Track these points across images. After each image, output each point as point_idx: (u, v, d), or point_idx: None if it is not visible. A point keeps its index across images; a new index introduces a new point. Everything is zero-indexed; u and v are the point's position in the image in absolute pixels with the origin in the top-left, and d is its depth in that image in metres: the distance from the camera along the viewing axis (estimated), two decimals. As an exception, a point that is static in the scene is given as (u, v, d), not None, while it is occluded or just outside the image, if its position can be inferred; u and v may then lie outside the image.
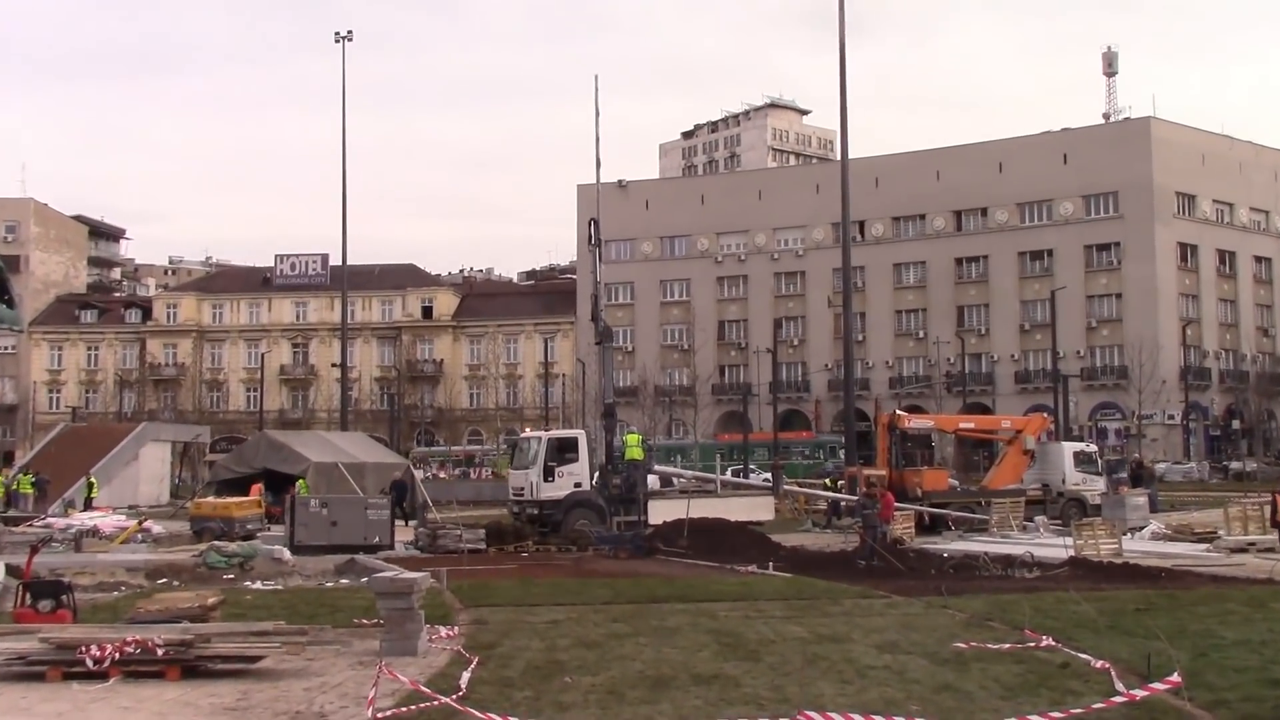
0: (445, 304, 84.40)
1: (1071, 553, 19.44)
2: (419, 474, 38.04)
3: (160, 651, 9.72)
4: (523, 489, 25.23)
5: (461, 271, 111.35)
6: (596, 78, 47.84)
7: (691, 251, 78.87)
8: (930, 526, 26.47)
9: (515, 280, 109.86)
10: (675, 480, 30.16)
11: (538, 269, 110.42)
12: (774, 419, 57.93)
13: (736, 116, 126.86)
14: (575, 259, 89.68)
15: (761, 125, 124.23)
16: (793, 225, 75.87)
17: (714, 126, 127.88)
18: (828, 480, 34.46)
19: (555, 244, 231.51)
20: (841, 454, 57.26)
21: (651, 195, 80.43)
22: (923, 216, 73.06)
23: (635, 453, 25.68)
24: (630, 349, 78.44)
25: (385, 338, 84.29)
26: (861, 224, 73.15)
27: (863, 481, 25.76)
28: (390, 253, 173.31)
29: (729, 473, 51.95)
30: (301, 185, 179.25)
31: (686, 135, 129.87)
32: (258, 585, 17.56)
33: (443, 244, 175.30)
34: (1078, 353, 66.26)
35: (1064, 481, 28.63)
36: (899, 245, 73.20)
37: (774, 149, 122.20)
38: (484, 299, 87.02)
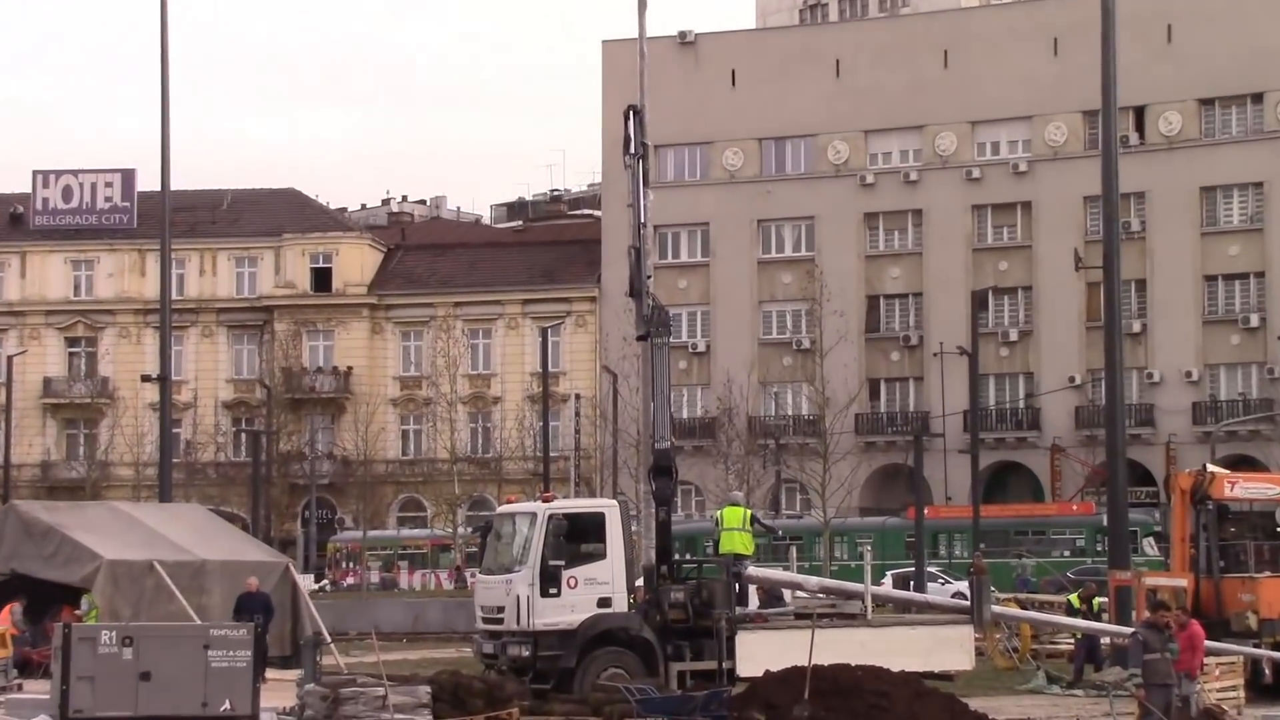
0: (356, 263, 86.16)
1: None
2: (306, 582, 38.69)
3: None
4: (502, 610, 26.22)
5: (387, 204, 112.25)
6: None
7: (817, 165, 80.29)
8: (1276, 684, 27.84)
9: (487, 220, 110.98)
10: (788, 595, 30.99)
11: (529, 200, 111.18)
12: (972, 478, 58.69)
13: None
14: (598, 182, 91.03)
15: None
16: (1008, 116, 77.39)
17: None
18: (1073, 598, 35.19)
19: (561, 157, 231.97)
20: (1099, 547, 58.49)
21: (742, 61, 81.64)
22: (1258, 97, 73.91)
23: (737, 543, 27.09)
24: (702, 348, 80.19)
25: (244, 327, 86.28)
26: (1139, 112, 73.89)
27: (1142, 600, 26.61)
28: (255, 170, 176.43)
29: (889, 580, 51.87)
30: (86, 46, 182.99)
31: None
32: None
33: (354, 154, 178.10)
34: None
35: None
36: (1214, 153, 74.13)
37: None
38: (429, 254, 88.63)
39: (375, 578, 74.59)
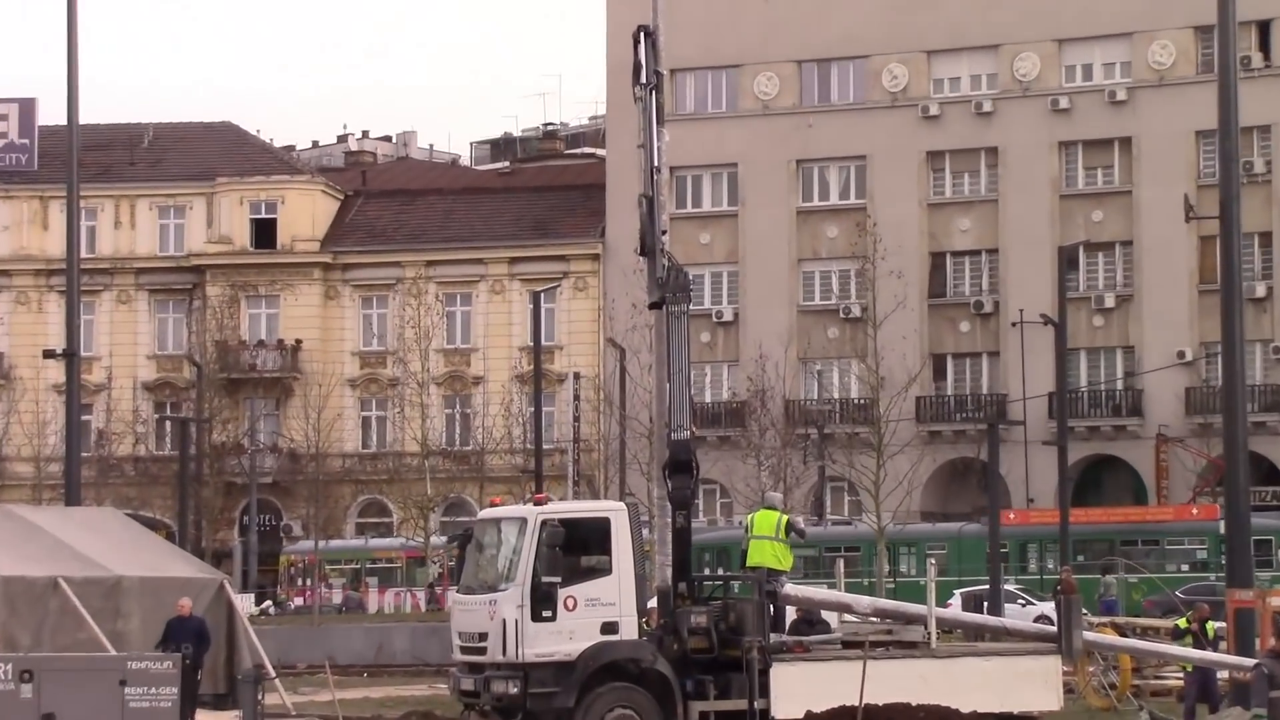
0: (307, 213, 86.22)
1: None
2: (245, 603, 37.90)
3: None
4: (484, 638, 26.55)
5: (344, 141, 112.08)
6: None
7: (869, 93, 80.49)
8: None
9: (466, 161, 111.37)
10: (834, 619, 31.28)
11: (517, 136, 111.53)
12: (1060, 476, 58.37)
13: None
14: (600, 114, 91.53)
15: None
16: (1103, 33, 77.33)
17: None
18: (1181, 622, 34.74)
19: (555, 84, 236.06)
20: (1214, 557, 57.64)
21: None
22: None
23: (768, 555, 27.30)
24: (729, 316, 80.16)
25: (169, 291, 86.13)
26: (1264, 29, 73.92)
27: (1268, 625, 27.12)
28: (184, 103, 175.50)
29: (958, 600, 53.49)
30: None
31: None
32: None
33: (303, 82, 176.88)
34: None
35: None
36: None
37: None
38: (396, 203, 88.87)
39: (337, 597, 75.00)
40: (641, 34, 28.61)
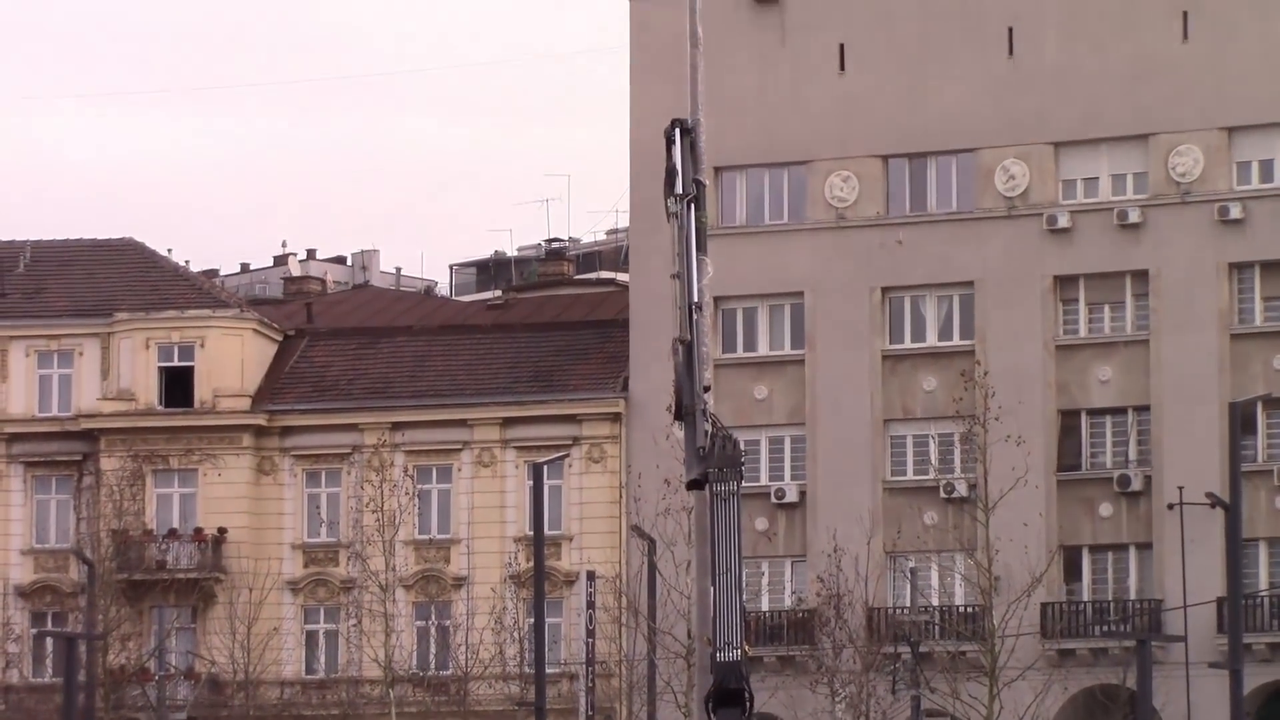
0: (234, 359, 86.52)
1: None
2: None
3: None
4: None
5: (283, 263, 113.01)
6: None
7: (977, 197, 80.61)
8: None
9: (445, 289, 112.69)
10: None
11: (511, 256, 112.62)
12: (1233, 709, 57.32)
13: None
14: (622, 226, 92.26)
15: None
16: None
17: None
18: None
19: (562, 187, 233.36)
20: None
21: (856, 28, 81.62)
22: None
23: None
24: (794, 496, 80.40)
25: (51, 464, 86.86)
26: None
27: None
28: (73, 209, 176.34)
29: None
30: None
31: None
32: None
33: (231, 180, 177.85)
34: None
35: None
36: None
37: None
38: (352, 345, 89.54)
39: None
40: (677, 132, 28.16)
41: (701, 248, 27.66)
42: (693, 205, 27.63)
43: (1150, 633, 64.11)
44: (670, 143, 28.15)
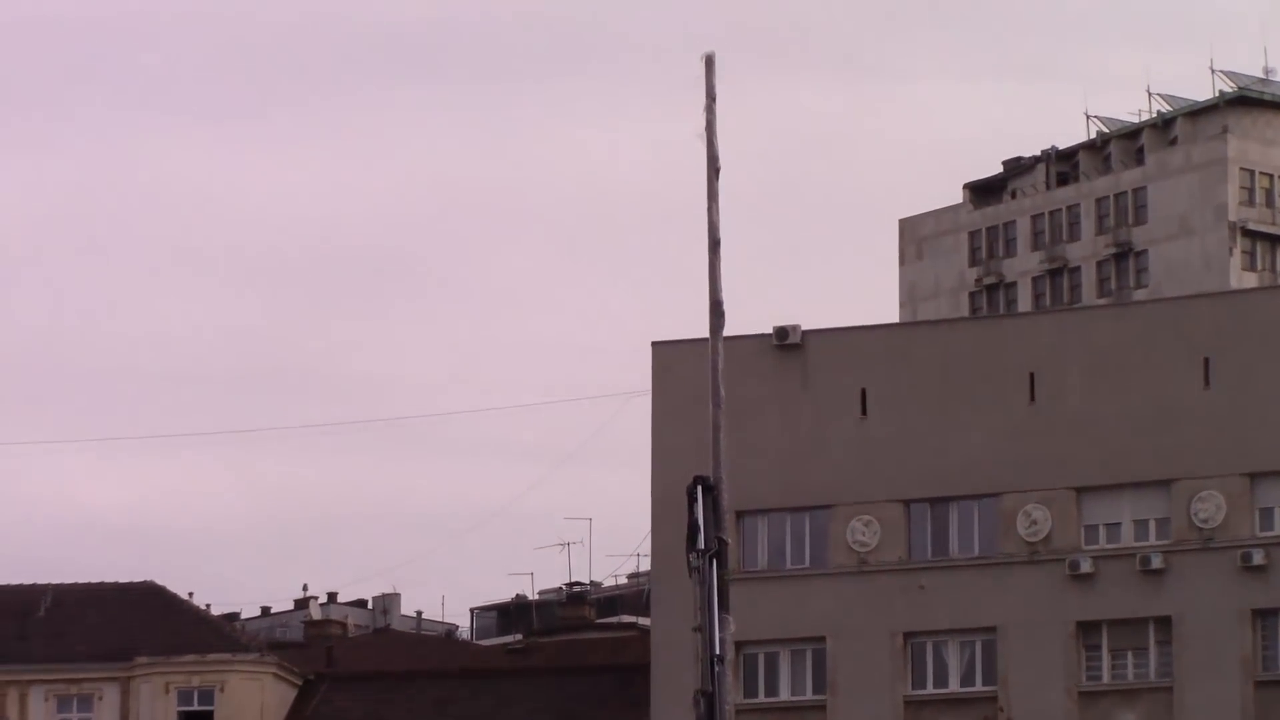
0: (254, 703, 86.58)
1: None
2: None
3: None
4: None
5: (303, 607, 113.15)
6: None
7: (999, 543, 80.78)
8: None
9: (466, 632, 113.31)
10: None
11: (532, 600, 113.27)
12: None
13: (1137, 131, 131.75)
14: (644, 571, 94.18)
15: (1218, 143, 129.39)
16: None
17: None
18: None
19: (584, 530, 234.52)
20: None
21: (877, 373, 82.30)
22: None
23: None
24: None
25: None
26: None
27: None
28: (90, 556, 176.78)
29: None
30: None
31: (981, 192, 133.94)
32: None
33: (245, 528, 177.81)
34: None
35: None
36: None
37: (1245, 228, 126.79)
38: (374, 690, 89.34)
39: None
40: (699, 489, 28.61)
41: (724, 604, 28.32)
42: (715, 561, 28.44)
43: None
44: (692, 499, 28.66)
